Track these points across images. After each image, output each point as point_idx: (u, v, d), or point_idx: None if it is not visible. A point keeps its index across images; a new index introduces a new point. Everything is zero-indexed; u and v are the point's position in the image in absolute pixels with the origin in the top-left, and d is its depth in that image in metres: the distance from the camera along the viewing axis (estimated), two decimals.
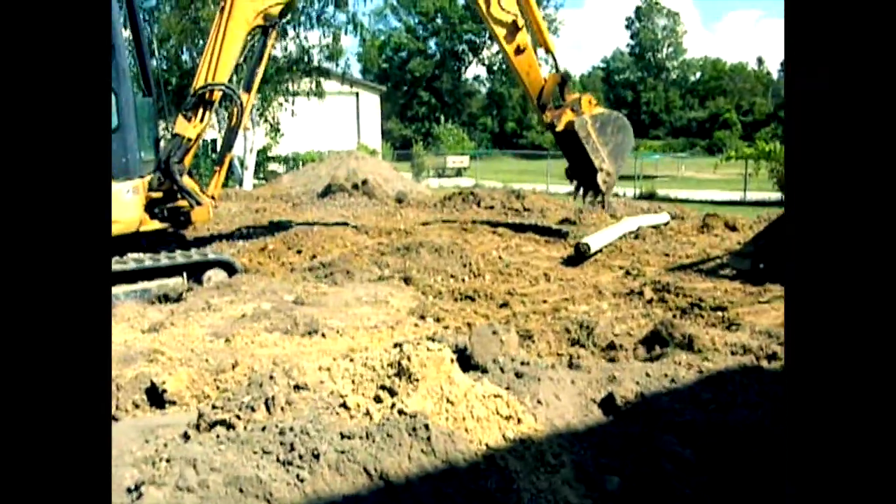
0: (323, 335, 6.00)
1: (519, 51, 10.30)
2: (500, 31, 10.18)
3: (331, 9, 25.10)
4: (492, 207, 14.48)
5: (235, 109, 8.96)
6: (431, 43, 72.08)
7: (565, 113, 10.40)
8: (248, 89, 9.15)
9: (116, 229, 7.76)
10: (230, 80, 9.03)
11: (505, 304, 7.34)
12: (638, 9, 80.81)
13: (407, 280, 8.18)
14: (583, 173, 10.68)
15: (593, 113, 10.43)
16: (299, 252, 10.38)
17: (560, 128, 10.40)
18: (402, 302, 7.21)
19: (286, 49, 25.57)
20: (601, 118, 10.40)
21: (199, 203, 8.57)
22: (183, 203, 8.54)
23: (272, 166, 33.19)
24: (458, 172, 37.96)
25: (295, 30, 25.35)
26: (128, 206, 7.88)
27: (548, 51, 10.52)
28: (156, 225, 8.48)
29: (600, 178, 10.34)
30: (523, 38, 10.26)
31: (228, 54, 8.61)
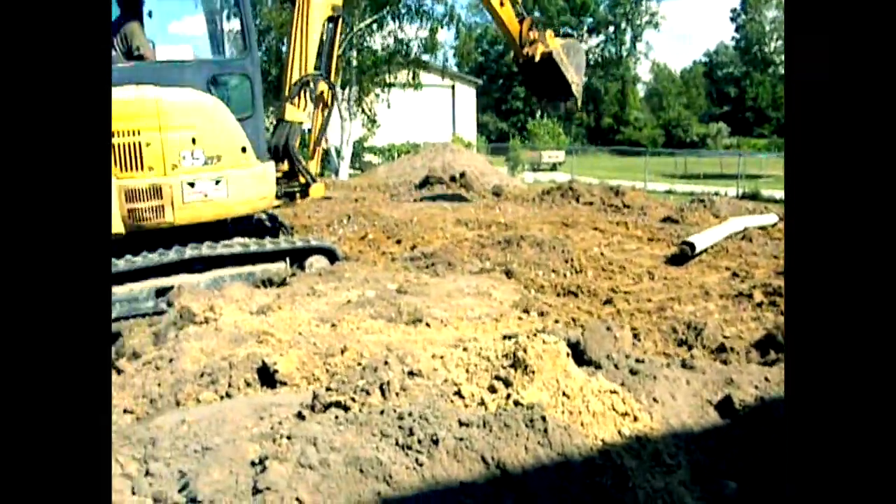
0: (427, 324, 6.03)
1: (501, 3, 12.66)
2: None
3: (429, 1, 25.28)
4: (591, 203, 14.30)
5: (329, 95, 9.61)
6: None
7: (538, 47, 12.87)
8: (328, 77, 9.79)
9: (264, 204, 8.55)
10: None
11: (609, 302, 7.24)
12: (744, 0, 78.24)
13: (508, 273, 8.14)
14: (553, 91, 13.69)
15: (560, 43, 13.13)
16: (399, 242, 10.49)
17: (537, 59, 12.89)
18: (504, 295, 7.19)
19: (385, 40, 25.90)
20: (566, 46, 13.19)
21: (314, 180, 9.20)
22: (301, 180, 9.17)
23: (367, 157, 33.66)
24: (554, 167, 37.69)
25: (394, 21, 25.64)
26: (272, 183, 8.55)
27: (514, 3, 12.92)
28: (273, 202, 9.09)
29: (574, 89, 13.26)
30: None
31: (313, 45, 9.16)
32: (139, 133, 7.31)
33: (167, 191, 7.48)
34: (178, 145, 7.53)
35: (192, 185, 7.62)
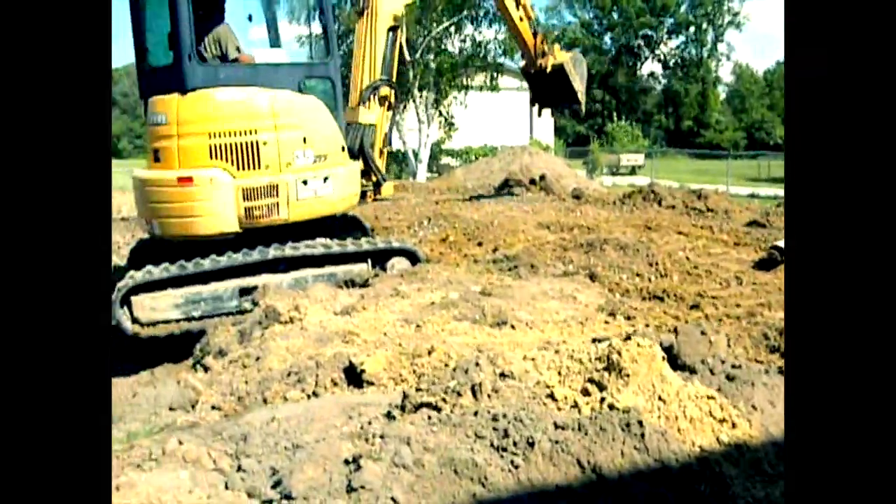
0: (512, 326, 6.00)
1: (521, 18, 13.52)
2: (511, 3, 13.19)
3: None
4: (673, 207, 14.01)
5: (392, 98, 10.00)
6: (606, 38, 70.98)
7: (549, 58, 13.98)
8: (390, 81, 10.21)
9: (356, 201, 8.96)
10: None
11: (696, 306, 7.06)
12: None
13: (592, 276, 8.02)
14: (559, 99, 14.94)
15: (567, 56, 14.28)
16: (480, 244, 10.47)
17: (549, 70, 13.98)
18: (588, 298, 7.09)
19: (463, 43, 25.95)
20: (572, 58, 14.36)
21: (384, 179, 9.64)
22: (373, 179, 9.54)
23: (445, 160, 33.77)
24: (633, 170, 37.20)
25: (472, 24, 25.68)
26: (359, 181, 8.98)
27: (530, 18, 13.82)
28: None
29: (580, 96, 14.42)
30: (524, 7, 13.58)
31: (380, 53, 9.61)
32: (256, 132, 7.59)
33: (283, 188, 7.75)
34: (291, 144, 7.81)
35: (305, 182, 7.89)
